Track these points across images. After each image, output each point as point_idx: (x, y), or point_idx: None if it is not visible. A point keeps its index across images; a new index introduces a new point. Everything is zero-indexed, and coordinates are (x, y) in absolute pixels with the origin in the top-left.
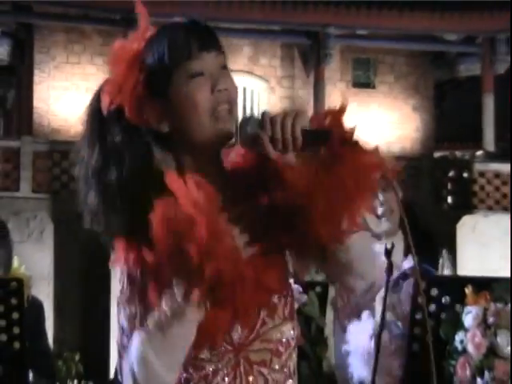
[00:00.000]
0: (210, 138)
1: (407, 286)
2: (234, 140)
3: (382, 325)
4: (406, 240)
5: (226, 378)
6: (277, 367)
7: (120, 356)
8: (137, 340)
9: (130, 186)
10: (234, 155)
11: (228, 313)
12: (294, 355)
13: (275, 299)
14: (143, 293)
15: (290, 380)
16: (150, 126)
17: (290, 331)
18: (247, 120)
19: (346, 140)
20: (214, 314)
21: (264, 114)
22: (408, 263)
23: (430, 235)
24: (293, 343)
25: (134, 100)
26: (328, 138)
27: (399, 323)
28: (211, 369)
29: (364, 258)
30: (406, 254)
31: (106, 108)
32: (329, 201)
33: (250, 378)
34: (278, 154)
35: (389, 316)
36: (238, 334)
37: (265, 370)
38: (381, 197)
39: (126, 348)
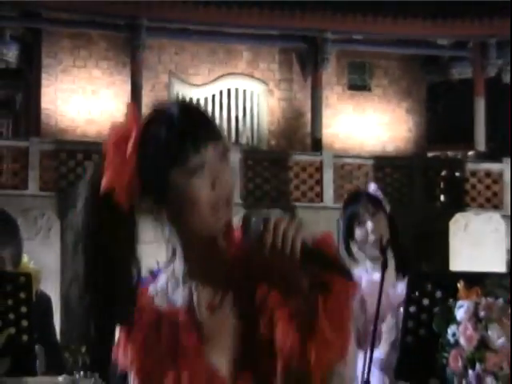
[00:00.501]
0: (209, 227)
1: None
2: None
3: (376, 322)
4: (396, 259)
5: None
6: None
7: None
8: None
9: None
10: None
11: None
12: None
13: None
14: None
15: None
16: (146, 210)
17: None
18: (251, 216)
19: (342, 275)
20: None
21: (268, 220)
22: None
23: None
24: None
25: (130, 189)
26: (324, 263)
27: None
28: None
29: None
30: (396, 269)
31: (104, 189)
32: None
33: None
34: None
35: None
36: None
37: None
38: (370, 224)
39: None
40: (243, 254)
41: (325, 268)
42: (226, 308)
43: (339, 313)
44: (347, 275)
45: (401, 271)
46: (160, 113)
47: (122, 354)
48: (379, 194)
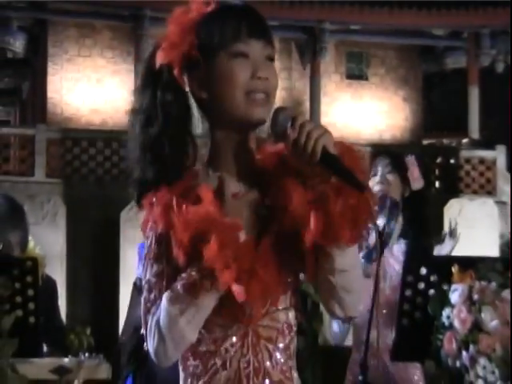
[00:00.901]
0: (241, 117)
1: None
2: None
3: (374, 302)
4: (404, 225)
5: (235, 346)
6: (281, 346)
7: (148, 311)
8: (166, 299)
9: (166, 142)
10: (269, 149)
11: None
12: (295, 340)
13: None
14: (170, 253)
15: (291, 361)
16: (192, 89)
17: (294, 318)
18: (282, 110)
19: (356, 187)
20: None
21: (297, 115)
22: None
23: (425, 216)
24: (295, 329)
25: (183, 62)
26: (342, 170)
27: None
28: (222, 334)
29: (351, 292)
30: (402, 234)
31: (159, 62)
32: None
33: (257, 350)
34: (297, 160)
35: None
36: (249, 307)
37: (270, 346)
38: (378, 177)
39: (154, 304)
40: (271, 162)
41: (339, 175)
42: (249, 199)
43: (350, 206)
44: (359, 187)
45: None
46: (220, 4)
47: (161, 218)
48: (413, 167)
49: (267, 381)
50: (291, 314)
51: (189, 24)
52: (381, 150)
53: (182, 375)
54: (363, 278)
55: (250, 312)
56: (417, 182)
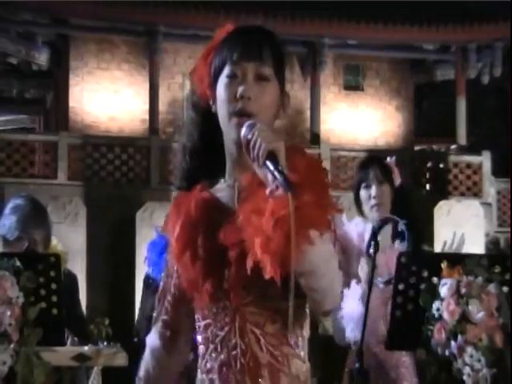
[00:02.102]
0: (226, 137)
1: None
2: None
3: (369, 294)
4: (395, 227)
5: (223, 330)
6: (270, 331)
7: (154, 320)
8: (148, 343)
9: (194, 153)
10: None
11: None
12: (303, 330)
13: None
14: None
15: (288, 348)
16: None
17: (280, 311)
18: (249, 125)
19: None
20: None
21: (256, 125)
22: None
23: (417, 221)
24: (291, 318)
25: (205, 88)
26: (277, 170)
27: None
28: (212, 320)
29: (318, 291)
30: (393, 238)
31: (196, 96)
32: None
33: (244, 333)
34: (253, 164)
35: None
36: (237, 294)
37: (257, 331)
38: (373, 190)
39: (158, 316)
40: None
41: (273, 174)
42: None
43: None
44: (286, 186)
45: (398, 240)
46: (233, 29)
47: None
48: (395, 168)
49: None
50: (283, 303)
51: (208, 53)
52: (369, 159)
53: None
54: (338, 272)
55: (235, 298)
56: (397, 179)
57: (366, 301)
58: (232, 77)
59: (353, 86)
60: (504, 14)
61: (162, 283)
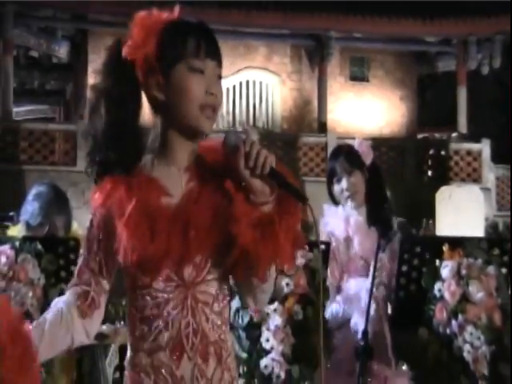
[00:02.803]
0: (192, 127)
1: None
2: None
3: (373, 283)
4: (369, 211)
5: (176, 308)
6: (216, 310)
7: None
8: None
9: (115, 132)
10: (210, 147)
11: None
12: (228, 308)
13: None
14: (107, 236)
15: (224, 326)
16: (149, 89)
17: (225, 288)
18: (233, 133)
19: (297, 197)
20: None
21: (249, 136)
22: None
23: (388, 206)
24: (227, 298)
25: (144, 63)
26: (285, 184)
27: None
28: (164, 298)
29: (266, 293)
30: (368, 222)
31: (125, 55)
32: (263, 248)
33: (195, 312)
34: (245, 171)
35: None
36: (188, 273)
37: (207, 310)
38: (344, 183)
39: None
40: (220, 159)
41: (285, 187)
42: (204, 196)
43: (291, 228)
44: (301, 199)
45: (372, 223)
46: (180, 18)
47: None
48: (363, 149)
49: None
50: (223, 285)
51: (152, 29)
52: (335, 151)
53: (128, 339)
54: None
55: (188, 276)
56: (368, 157)
57: (370, 292)
58: (199, 72)
59: (358, 76)
60: (503, 9)
61: (86, 247)
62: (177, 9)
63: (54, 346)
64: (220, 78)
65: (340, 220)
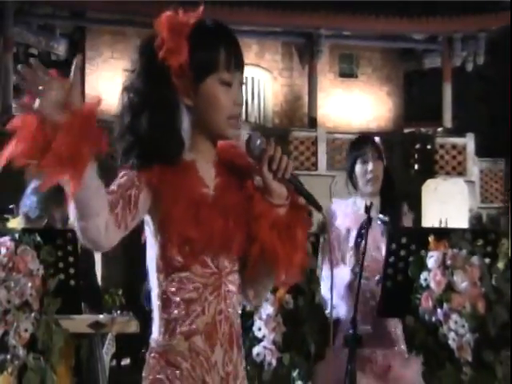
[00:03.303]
0: (219, 134)
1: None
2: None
3: (361, 270)
4: (383, 200)
5: (213, 294)
6: (239, 299)
7: None
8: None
9: (161, 132)
10: (227, 145)
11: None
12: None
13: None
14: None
15: (239, 320)
16: (180, 92)
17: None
18: (258, 136)
19: (313, 205)
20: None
21: (272, 140)
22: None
23: (398, 196)
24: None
25: (178, 69)
26: (306, 192)
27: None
28: (202, 283)
29: (267, 289)
30: (381, 211)
31: (160, 56)
32: (280, 250)
33: (227, 301)
34: (269, 173)
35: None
36: (222, 262)
37: (234, 299)
38: (371, 165)
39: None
40: (237, 158)
41: (302, 194)
42: (232, 190)
43: (300, 239)
44: (316, 207)
45: (386, 214)
46: (209, 24)
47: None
48: (382, 147)
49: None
50: (239, 277)
51: (183, 34)
52: (365, 138)
53: (160, 322)
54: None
55: (223, 265)
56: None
57: (359, 280)
58: (228, 85)
59: (347, 73)
60: (487, 7)
61: (124, 187)
62: (200, 9)
63: (97, 193)
64: (242, 84)
65: (345, 211)
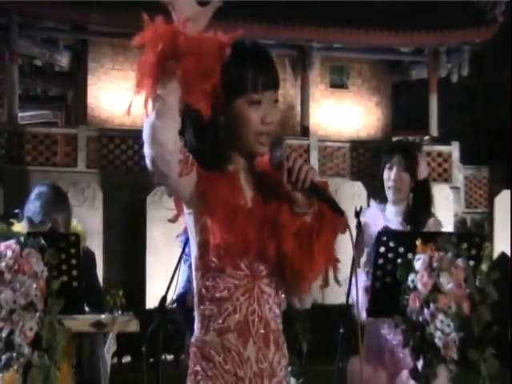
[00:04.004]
0: (248, 150)
1: None
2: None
3: (355, 269)
4: (408, 213)
5: (244, 295)
6: (277, 301)
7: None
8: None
9: (207, 144)
10: (266, 159)
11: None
12: (284, 300)
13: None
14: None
15: (281, 316)
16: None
17: (282, 285)
18: (279, 149)
19: (334, 210)
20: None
21: (291, 152)
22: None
23: (425, 209)
24: (282, 292)
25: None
26: (324, 197)
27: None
28: (234, 284)
29: (311, 294)
30: (405, 219)
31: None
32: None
33: (261, 302)
34: (288, 185)
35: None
36: (256, 266)
37: (270, 300)
38: (393, 174)
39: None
40: (268, 170)
41: (324, 201)
42: (266, 201)
43: (328, 244)
44: (338, 211)
45: (408, 223)
46: (241, 43)
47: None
48: (421, 164)
49: (267, 328)
50: (280, 281)
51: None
52: (396, 145)
53: (197, 318)
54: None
55: (255, 269)
56: (423, 173)
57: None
58: (256, 103)
59: (338, 84)
60: (471, 21)
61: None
62: (239, 33)
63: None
64: (277, 101)
65: (374, 213)
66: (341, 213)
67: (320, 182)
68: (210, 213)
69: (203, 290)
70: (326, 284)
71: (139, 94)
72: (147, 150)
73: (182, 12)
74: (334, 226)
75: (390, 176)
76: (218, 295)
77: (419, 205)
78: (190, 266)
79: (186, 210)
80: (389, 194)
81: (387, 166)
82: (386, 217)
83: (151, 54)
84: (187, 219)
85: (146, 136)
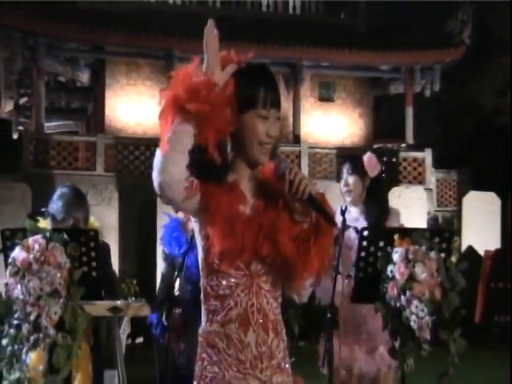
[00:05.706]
0: (251, 157)
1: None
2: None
3: (338, 266)
4: (366, 209)
5: (244, 292)
6: (274, 295)
7: None
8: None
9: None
10: (269, 169)
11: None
12: (281, 295)
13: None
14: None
15: (279, 308)
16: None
17: (280, 281)
18: (283, 161)
19: (327, 221)
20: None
21: (294, 167)
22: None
23: (380, 201)
24: (280, 287)
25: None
26: (319, 208)
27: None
28: (234, 283)
29: (307, 289)
30: (366, 215)
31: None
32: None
33: (259, 296)
34: (289, 195)
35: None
36: (254, 266)
37: (268, 295)
38: (344, 181)
39: None
40: (271, 180)
41: (318, 211)
42: (266, 208)
43: (323, 247)
44: (331, 222)
45: (366, 219)
46: (254, 64)
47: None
48: (370, 163)
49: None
50: (277, 277)
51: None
52: (345, 157)
53: (204, 313)
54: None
55: (254, 268)
56: (374, 170)
57: (334, 276)
58: (264, 118)
59: (325, 98)
60: (441, 44)
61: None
62: (250, 54)
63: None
64: (279, 118)
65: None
66: (332, 223)
67: (318, 195)
68: (211, 223)
69: (208, 288)
70: (317, 283)
71: (161, 122)
72: (156, 176)
73: (212, 67)
74: (329, 233)
75: (342, 183)
76: (221, 292)
77: (373, 200)
78: (169, 265)
79: (192, 219)
80: (345, 197)
81: (340, 176)
82: (353, 217)
83: (176, 94)
84: (194, 226)
85: (157, 164)
